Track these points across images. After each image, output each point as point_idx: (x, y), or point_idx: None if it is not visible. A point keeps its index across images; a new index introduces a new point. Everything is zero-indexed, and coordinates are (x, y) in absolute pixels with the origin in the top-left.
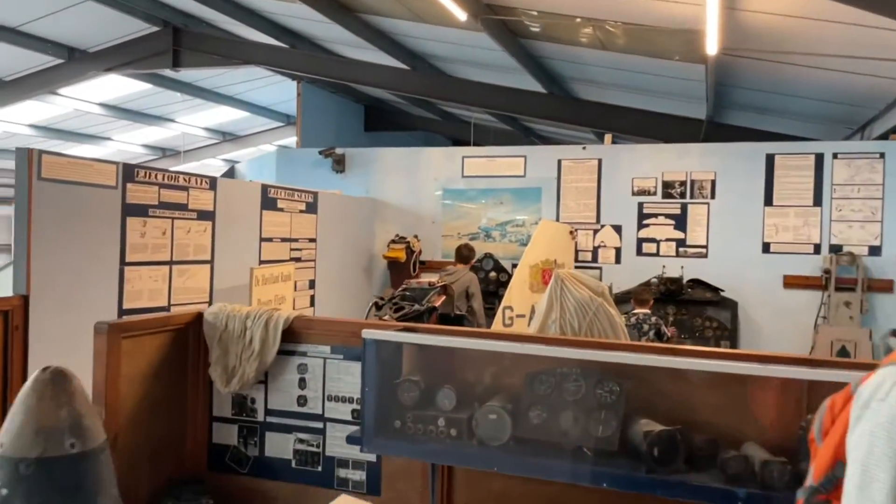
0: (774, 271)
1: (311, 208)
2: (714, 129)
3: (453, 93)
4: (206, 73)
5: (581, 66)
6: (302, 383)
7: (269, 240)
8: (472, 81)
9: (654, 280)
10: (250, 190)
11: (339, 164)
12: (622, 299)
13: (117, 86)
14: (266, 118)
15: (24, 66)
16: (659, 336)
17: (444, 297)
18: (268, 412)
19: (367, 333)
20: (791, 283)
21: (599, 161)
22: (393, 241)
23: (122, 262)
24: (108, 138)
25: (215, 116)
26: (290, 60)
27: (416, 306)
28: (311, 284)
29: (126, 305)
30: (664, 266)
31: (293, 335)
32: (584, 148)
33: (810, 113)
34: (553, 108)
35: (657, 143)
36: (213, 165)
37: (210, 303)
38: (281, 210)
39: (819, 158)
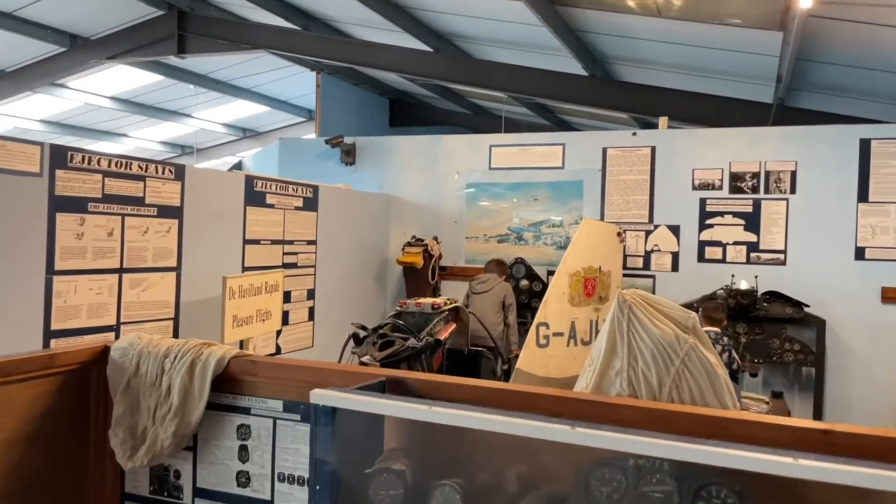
0: (870, 282)
1: (311, 205)
2: (785, 115)
3: (482, 77)
4: (219, 62)
5: (629, 40)
6: (243, 454)
7: (256, 242)
8: (504, 64)
9: (721, 292)
10: (231, 182)
11: (349, 156)
12: None
13: (127, 77)
14: (287, 113)
15: (26, 56)
16: (729, 364)
17: (453, 326)
18: (197, 492)
19: (318, 396)
20: (892, 296)
21: (653, 149)
22: (408, 244)
23: (50, 271)
24: (125, 135)
25: (233, 111)
26: (304, 44)
27: (412, 340)
28: (310, 295)
29: (55, 325)
30: (733, 275)
31: (231, 383)
32: (634, 133)
33: None
34: (595, 92)
35: (723, 128)
36: (232, 164)
37: (176, 320)
38: (271, 206)
39: None
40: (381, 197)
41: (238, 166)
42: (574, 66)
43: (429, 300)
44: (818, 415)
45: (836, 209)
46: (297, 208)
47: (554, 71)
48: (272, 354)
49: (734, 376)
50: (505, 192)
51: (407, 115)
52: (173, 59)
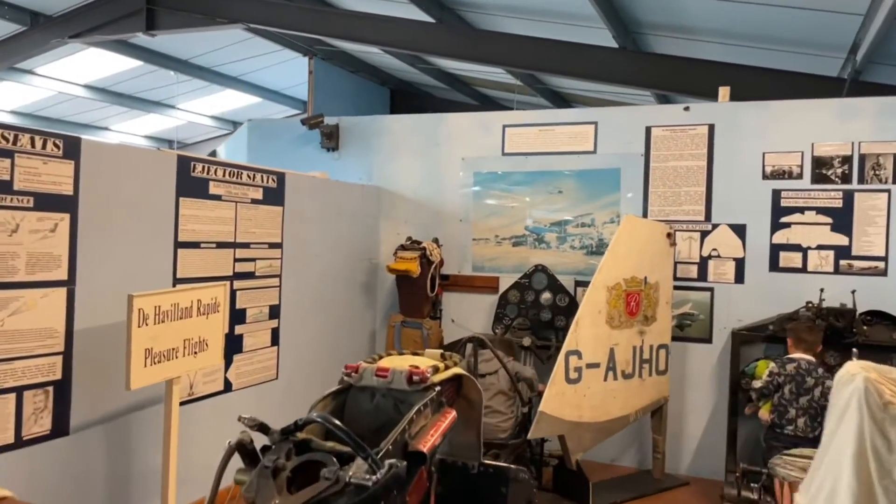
0: None
1: (274, 197)
2: (863, 93)
3: (492, 51)
4: (201, 46)
5: (668, 2)
6: None
7: (194, 245)
8: (517, 35)
9: (805, 311)
10: (155, 163)
11: (331, 139)
12: (747, 339)
13: (102, 63)
14: (281, 105)
15: None
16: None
17: (452, 417)
18: None
19: None
20: None
21: (710, 127)
22: (402, 248)
23: None
24: (106, 128)
25: (221, 102)
26: (287, 16)
27: (359, 466)
28: (274, 312)
29: None
30: (822, 289)
31: None
32: (686, 108)
33: None
34: (626, 67)
35: (804, 99)
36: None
37: (68, 355)
38: (216, 198)
39: None
40: (368, 189)
41: (213, 156)
42: (601, 37)
43: (402, 364)
44: None
45: None
46: (254, 201)
47: (577, 42)
48: (219, 393)
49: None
50: (522, 184)
51: (409, 105)
52: (145, 39)
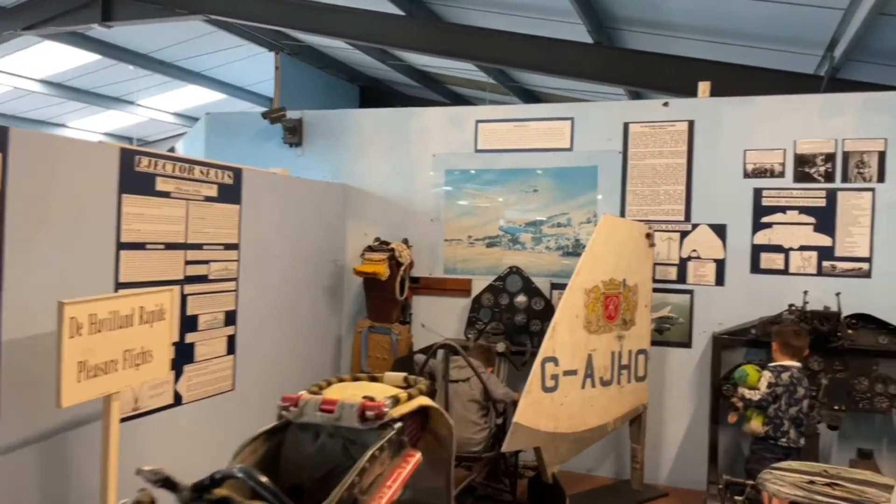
0: None
1: (230, 195)
2: (838, 90)
3: (462, 46)
4: (162, 39)
5: None
6: None
7: (139, 247)
8: (488, 29)
9: (788, 314)
10: (93, 157)
11: (294, 135)
12: (728, 344)
13: (59, 57)
14: (247, 101)
15: None
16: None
17: (416, 460)
18: None
19: None
20: None
21: (690, 124)
22: (370, 249)
23: None
24: (63, 125)
25: (184, 98)
26: (249, 9)
27: None
28: (230, 319)
29: None
30: (806, 291)
31: None
32: (665, 104)
33: None
34: (602, 63)
35: (786, 94)
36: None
37: None
38: (165, 195)
39: None
40: (334, 187)
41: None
42: (576, 33)
43: (354, 394)
44: None
45: None
46: (208, 199)
47: (551, 38)
48: (168, 407)
49: (811, 430)
50: (496, 182)
51: (379, 103)
52: (102, 31)
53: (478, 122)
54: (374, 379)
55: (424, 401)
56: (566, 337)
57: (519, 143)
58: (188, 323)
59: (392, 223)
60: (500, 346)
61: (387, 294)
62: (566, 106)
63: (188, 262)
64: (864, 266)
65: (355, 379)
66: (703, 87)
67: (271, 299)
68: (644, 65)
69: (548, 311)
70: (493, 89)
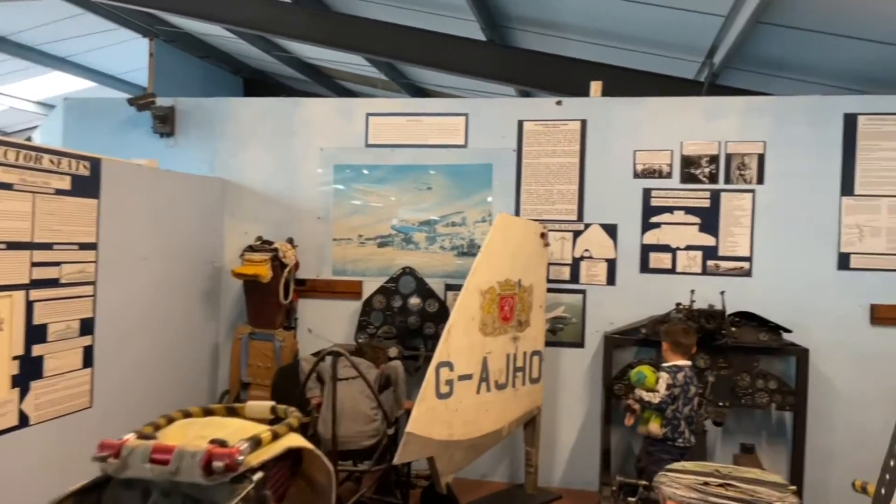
0: (857, 298)
1: (86, 188)
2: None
3: (352, 37)
4: (21, 22)
5: None
6: None
7: None
8: (378, 21)
9: (675, 313)
10: None
11: (165, 124)
12: (619, 343)
13: None
14: (119, 91)
15: None
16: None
17: None
18: None
19: None
20: (884, 317)
21: (583, 123)
22: (251, 249)
23: None
24: None
25: (48, 86)
26: None
27: None
28: (87, 328)
29: None
30: (693, 290)
31: None
32: (558, 102)
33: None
34: (493, 61)
35: (677, 96)
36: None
37: None
38: (6, 188)
39: None
40: (210, 182)
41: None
42: (469, 29)
43: (198, 438)
44: (797, 472)
45: (815, 205)
46: (60, 192)
47: (444, 33)
48: (13, 429)
49: (699, 428)
50: (387, 179)
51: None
52: None
53: (368, 115)
54: (232, 412)
55: (295, 440)
56: (461, 340)
57: (412, 139)
58: (35, 333)
59: (275, 221)
60: (393, 351)
61: (269, 297)
62: (460, 102)
63: (35, 264)
64: (745, 265)
65: (207, 413)
66: (595, 86)
67: (138, 305)
68: (536, 65)
69: (442, 313)
70: (384, 86)
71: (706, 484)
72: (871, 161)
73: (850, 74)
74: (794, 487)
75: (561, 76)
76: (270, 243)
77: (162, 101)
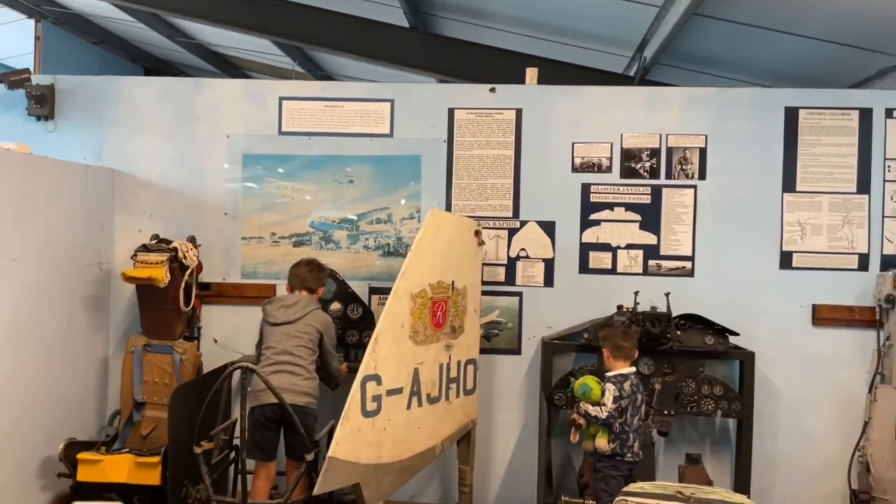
0: (799, 298)
1: None
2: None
3: (258, 18)
4: None
5: None
6: None
7: None
8: (292, 2)
9: (618, 316)
10: None
11: (42, 105)
12: (558, 349)
13: None
14: None
15: None
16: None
17: None
18: None
19: None
20: (826, 317)
21: (518, 112)
22: (145, 249)
23: None
24: None
25: None
26: None
27: None
28: None
29: None
30: (637, 292)
31: None
32: (492, 89)
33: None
34: (419, 50)
35: (614, 86)
36: None
37: None
38: None
39: (865, 117)
40: (98, 172)
41: None
42: (392, 15)
43: None
44: (743, 481)
45: (757, 201)
46: None
47: (364, 18)
48: None
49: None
50: (304, 171)
51: None
52: None
53: (282, 98)
54: None
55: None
56: (390, 350)
57: (331, 126)
58: None
59: (175, 218)
60: None
61: (167, 304)
62: (385, 86)
63: None
64: (687, 265)
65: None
66: (531, 73)
67: (5, 314)
68: (464, 54)
69: (367, 319)
70: (298, 77)
71: None
72: (812, 156)
73: (783, 72)
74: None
75: (490, 67)
76: (169, 242)
77: (40, 79)
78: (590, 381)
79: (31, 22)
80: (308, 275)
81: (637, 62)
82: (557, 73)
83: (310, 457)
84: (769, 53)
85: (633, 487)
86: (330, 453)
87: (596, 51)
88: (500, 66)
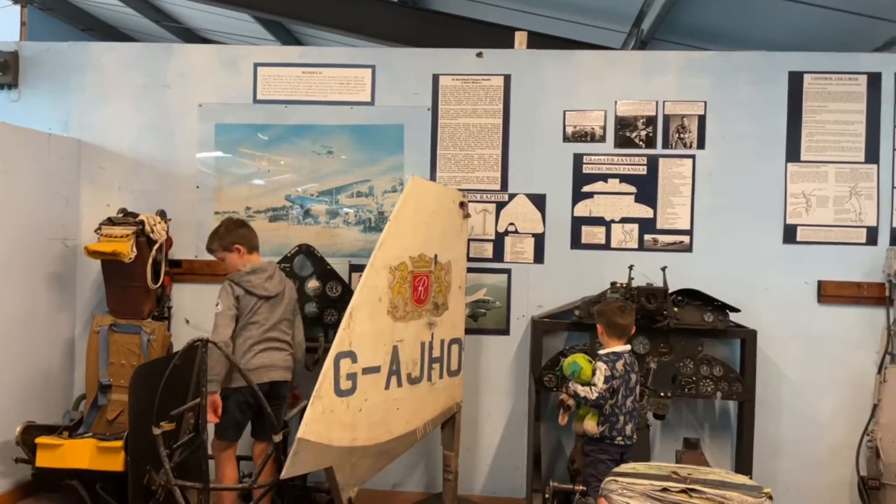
0: (803, 274)
1: None
2: None
3: None
4: None
5: None
6: None
7: None
8: None
9: (612, 293)
10: None
11: (6, 72)
12: (549, 328)
13: None
14: None
15: None
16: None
17: None
18: None
19: None
20: (832, 294)
21: (506, 79)
22: (110, 222)
23: None
24: None
25: None
26: None
27: None
28: None
29: None
30: (632, 266)
31: None
32: (479, 54)
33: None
34: (405, 25)
35: (609, 49)
36: None
37: None
38: None
39: (874, 82)
40: (63, 143)
41: None
42: None
43: None
44: (745, 467)
45: (759, 172)
46: None
47: None
48: None
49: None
50: (281, 141)
51: None
52: None
53: (257, 65)
54: None
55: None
56: (366, 326)
57: (309, 94)
58: None
59: (145, 191)
60: None
61: (134, 281)
62: (366, 51)
63: None
64: (685, 239)
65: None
66: (520, 37)
67: None
68: (454, 29)
69: (346, 297)
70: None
71: (665, 490)
72: (818, 124)
73: (787, 44)
74: (768, 490)
75: (481, 43)
76: (135, 216)
77: (2, 47)
78: (580, 359)
79: (17, 8)
80: (250, 233)
81: (634, 37)
82: (553, 48)
83: (278, 438)
84: (772, 24)
85: (624, 468)
86: (300, 434)
87: (591, 26)
88: (491, 41)
